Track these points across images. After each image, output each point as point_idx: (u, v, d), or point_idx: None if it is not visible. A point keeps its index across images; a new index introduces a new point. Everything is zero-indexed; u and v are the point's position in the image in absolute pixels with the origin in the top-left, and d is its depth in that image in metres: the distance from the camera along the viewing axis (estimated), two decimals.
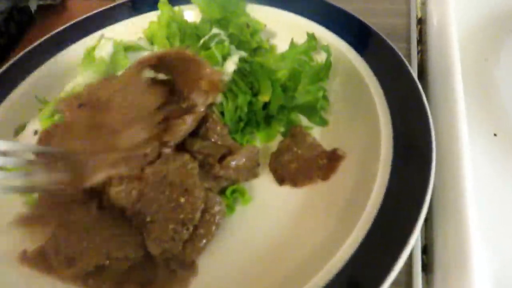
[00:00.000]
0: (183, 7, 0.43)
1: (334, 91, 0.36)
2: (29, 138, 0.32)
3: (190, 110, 0.30)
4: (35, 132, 0.32)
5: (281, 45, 0.40)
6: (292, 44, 0.38)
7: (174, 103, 0.31)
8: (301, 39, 0.38)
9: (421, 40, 0.45)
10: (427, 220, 0.30)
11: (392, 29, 0.43)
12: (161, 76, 0.32)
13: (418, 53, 0.44)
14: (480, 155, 0.34)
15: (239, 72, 0.32)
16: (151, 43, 0.41)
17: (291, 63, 0.35)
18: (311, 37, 0.37)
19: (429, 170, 0.26)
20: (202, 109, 0.30)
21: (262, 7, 0.42)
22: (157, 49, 0.38)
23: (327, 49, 0.34)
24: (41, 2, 0.55)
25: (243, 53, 0.34)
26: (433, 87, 0.40)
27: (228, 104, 0.31)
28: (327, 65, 0.34)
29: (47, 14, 0.55)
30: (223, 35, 0.35)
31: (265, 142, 0.34)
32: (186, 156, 0.29)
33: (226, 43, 0.34)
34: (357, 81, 0.35)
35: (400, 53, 0.34)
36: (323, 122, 0.34)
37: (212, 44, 0.34)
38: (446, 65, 0.39)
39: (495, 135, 0.36)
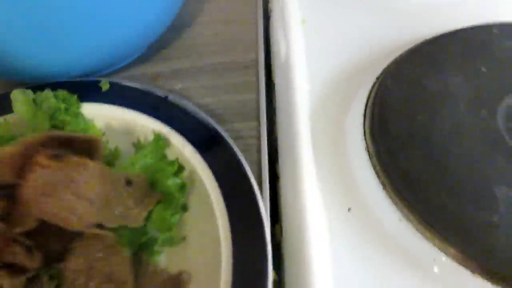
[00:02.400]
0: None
1: None
2: None
3: None
4: None
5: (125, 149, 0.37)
6: (139, 145, 0.35)
7: None
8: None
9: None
10: None
11: (242, 106, 0.42)
12: None
13: (274, 123, 0.43)
14: (335, 233, 0.33)
15: None
16: None
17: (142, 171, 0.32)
18: (158, 136, 0.34)
19: None
20: None
21: (97, 106, 0.39)
22: None
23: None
24: None
25: None
26: (284, 163, 0.39)
27: None
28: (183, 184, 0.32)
29: None
30: None
31: None
32: None
33: None
34: (202, 194, 0.32)
35: (241, 161, 0.33)
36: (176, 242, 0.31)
37: None
38: (294, 138, 0.38)
39: (349, 209, 0.36)
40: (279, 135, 0.40)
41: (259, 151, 0.38)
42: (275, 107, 0.44)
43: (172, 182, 0.31)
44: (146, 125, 0.37)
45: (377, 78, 0.43)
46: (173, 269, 0.30)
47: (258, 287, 0.26)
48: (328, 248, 0.33)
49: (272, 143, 0.41)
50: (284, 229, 0.35)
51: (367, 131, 0.38)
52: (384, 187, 0.34)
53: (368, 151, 0.37)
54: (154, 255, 0.30)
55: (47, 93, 0.38)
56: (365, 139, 0.38)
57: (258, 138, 0.39)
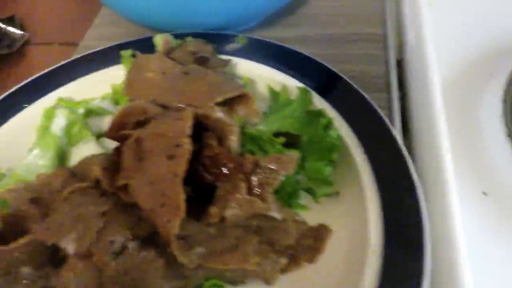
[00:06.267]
0: None
1: None
2: None
3: None
4: None
5: None
6: (284, 97, 0.35)
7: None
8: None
9: (402, 84, 0.44)
10: None
11: (369, 77, 0.42)
12: None
13: (401, 98, 0.42)
14: (470, 217, 0.32)
15: None
16: (116, 103, 0.38)
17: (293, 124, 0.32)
18: (304, 90, 0.34)
19: (423, 261, 0.24)
20: None
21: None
22: None
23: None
24: None
25: None
26: (418, 139, 0.38)
27: None
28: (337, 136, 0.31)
29: (3, 64, 0.51)
30: None
31: None
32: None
33: None
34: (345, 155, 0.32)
35: (385, 118, 0.32)
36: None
37: None
38: (430, 116, 0.38)
39: (484, 194, 0.34)
40: (413, 112, 0.39)
41: (391, 122, 0.37)
42: (401, 82, 0.43)
43: (333, 133, 0.30)
44: (281, 79, 0.37)
45: None
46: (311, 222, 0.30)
47: (414, 245, 0.25)
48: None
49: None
50: None
51: (510, 116, 0.36)
52: None
53: (511, 136, 0.35)
54: (298, 208, 0.30)
55: (189, 39, 0.39)
56: (507, 124, 0.36)
57: (388, 109, 0.38)
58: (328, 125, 0.32)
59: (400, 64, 0.46)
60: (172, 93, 0.32)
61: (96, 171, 0.27)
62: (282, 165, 0.27)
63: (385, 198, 0.28)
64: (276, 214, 0.27)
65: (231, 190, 0.26)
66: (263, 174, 0.27)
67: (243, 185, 0.26)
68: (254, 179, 0.27)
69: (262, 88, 0.38)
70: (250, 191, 0.27)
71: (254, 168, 0.27)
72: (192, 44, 0.38)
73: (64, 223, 0.24)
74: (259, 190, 0.27)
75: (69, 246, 0.24)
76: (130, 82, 0.34)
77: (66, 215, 0.24)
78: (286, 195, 0.30)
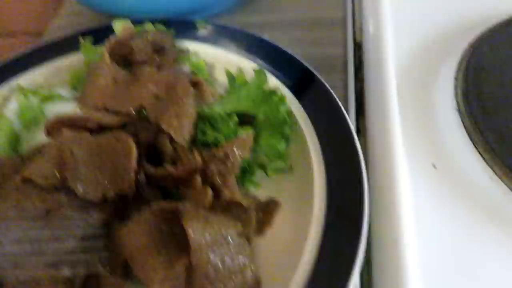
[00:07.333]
0: None
1: None
2: None
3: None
4: None
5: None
6: (237, 81, 0.36)
7: None
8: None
9: (360, 67, 0.45)
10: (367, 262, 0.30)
11: (328, 59, 0.42)
12: None
13: (358, 81, 0.43)
14: (419, 189, 0.33)
15: None
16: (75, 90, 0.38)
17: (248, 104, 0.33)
18: (259, 71, 0.35)
19: (360, 230, 0.26)
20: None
21: (192, 44, 0.40)
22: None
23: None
24: None
25: None
26: (371, 118, 0.39)
27: None
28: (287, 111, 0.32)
29: None
30: None
31: None
32: None
33: None
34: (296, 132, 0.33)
35: (336, 98, 0.33)
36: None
37: None
38: (383, 94, 0.39)
39: (434, 166, 0.35)
40: (367, 90, 0.40)
41: (346, 100, 0.38)
42: (358, 63, 0.44)
43: (283, 108, 0.31)
44: (239, 62, 0.38)
45: (471, 45, 0.42)
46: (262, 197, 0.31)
47: (353, 220, 0.26)
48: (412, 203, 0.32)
49: (356, 98, 0.41)
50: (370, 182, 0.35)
51: (460, 92, 0.38)
52: (477, 146, 0.34)
53: (460, 110, 0.37)
54: (250, 185, 0.31)
55: (149, 25, 0.39)
56: (457, 99, 0.38)
57: (345, 88, 0.39)
58: (280, 102, 0.33)
59: (361, 46, 0.47)
60: (123, 99, 0.32)
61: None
62: (238, 148, 0.28)
63: (330, 173, 0.29)
64: (243, 201, 0.28)
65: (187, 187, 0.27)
66: (221, 163, 0.28)
67: (198, 178, 0.27)
68: (213, 169, 0.28)
69: (221, 74, 0.39)
70: (211, 181, 0.27)
71: (210, 160, 0.28)
72: (152, 34, 0.39)
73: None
74: (222, 180, 0.28)
75: None
76: (85, 91, 0.34)
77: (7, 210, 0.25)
78: (240, 173, 0.31)
